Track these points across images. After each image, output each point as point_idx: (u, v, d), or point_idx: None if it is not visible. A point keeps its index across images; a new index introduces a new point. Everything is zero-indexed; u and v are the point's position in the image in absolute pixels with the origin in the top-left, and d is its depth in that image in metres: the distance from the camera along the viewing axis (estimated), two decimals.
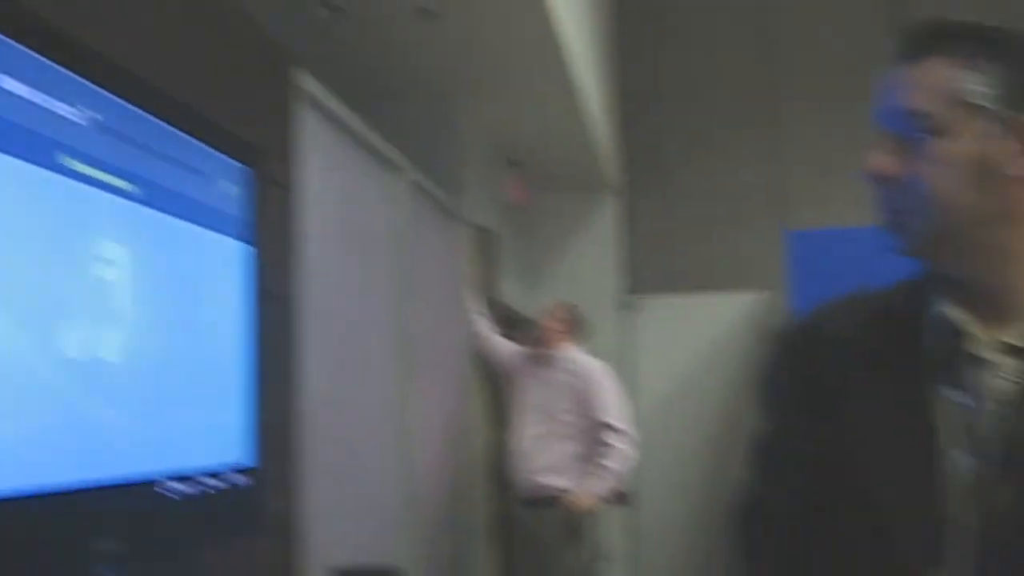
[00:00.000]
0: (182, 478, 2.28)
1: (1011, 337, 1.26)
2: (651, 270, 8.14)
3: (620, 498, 5.54)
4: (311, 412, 3.25)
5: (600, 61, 6.90)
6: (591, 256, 7.86)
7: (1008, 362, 1.26)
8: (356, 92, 3.98)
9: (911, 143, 1.26)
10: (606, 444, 5.05)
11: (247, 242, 2.68)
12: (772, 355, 1.43)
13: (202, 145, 2.50)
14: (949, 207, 1.25)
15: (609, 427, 5.07)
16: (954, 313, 1.29)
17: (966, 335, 1.28)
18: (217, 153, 2.57)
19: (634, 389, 7.61)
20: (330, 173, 3.62)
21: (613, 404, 5.17)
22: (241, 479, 2.56)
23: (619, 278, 7.94)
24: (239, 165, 2.67)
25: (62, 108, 1.95)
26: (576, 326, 5.40)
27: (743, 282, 7.70)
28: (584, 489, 5.04)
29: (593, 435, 5.10)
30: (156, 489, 2.18)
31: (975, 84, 1.24)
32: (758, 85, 8.14)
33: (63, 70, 1.96)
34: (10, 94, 1.81)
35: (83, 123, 2.02)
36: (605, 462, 5.05)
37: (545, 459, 5.05)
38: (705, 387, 7.74)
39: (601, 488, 5.09)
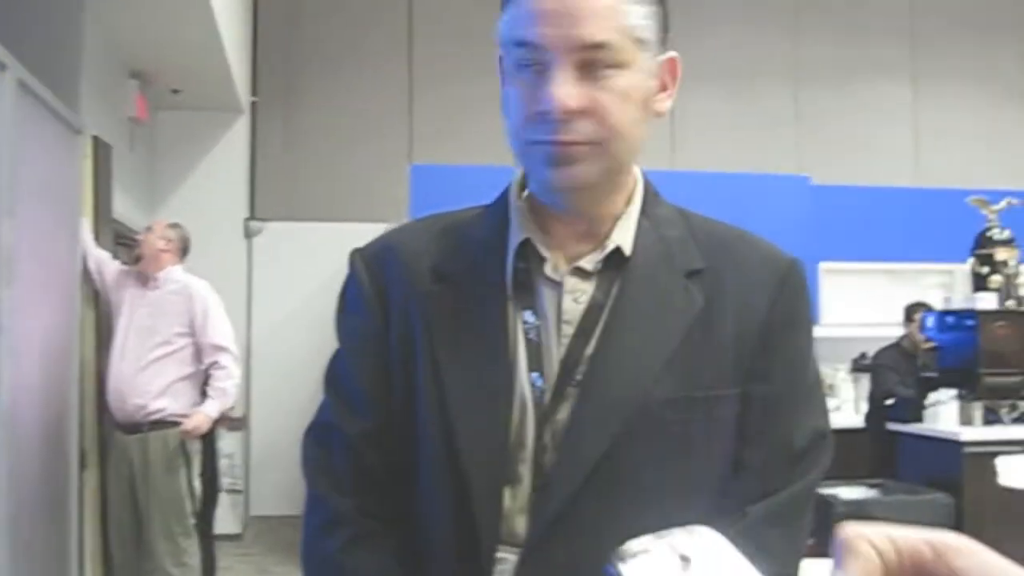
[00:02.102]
0: None
1: (583, 262, 1.33)
2: (276, 196, 8.06)
3: (232, 422, 5.47)
4: None
5: None
6: (216, 178, 7.68)
7: (579, 285, 1.33)
8: None
9: (591, 73, 1.23)
10: (218, 365, 4.96)
11: None
12: (349, 276, 1.44)
13: None
14: (625, 139, 1.27)
15: (219, 348, 4.99)
16: (534, 237, 1.34)
17: (543, 259, 1.33)
18: None
19: (249, 313, 7.54)
20: None
21: (221, 325, 5.07)
22: None
23: (244, 203, 7.80)
24: None
25: None
26: (180, 245, 5.23)
27: (367, 214, 7.77)
28: (197, 411, 4.94)
29: (201, 356, 4.99)
30: None
31: (641, 19, 1.25)
32: (397, 18, 8.19)
33: None
34: None
35: None
36: (217, 383, 4.96)
37: (150, 383, 4.89)
38: (322, 315, 7.73)
39: (213, 409, 5.00)
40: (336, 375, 1.43)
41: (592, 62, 1.23)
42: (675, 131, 8.24)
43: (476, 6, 7.82)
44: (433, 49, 8.12)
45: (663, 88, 1.32)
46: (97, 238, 5.38)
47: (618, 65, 1.24)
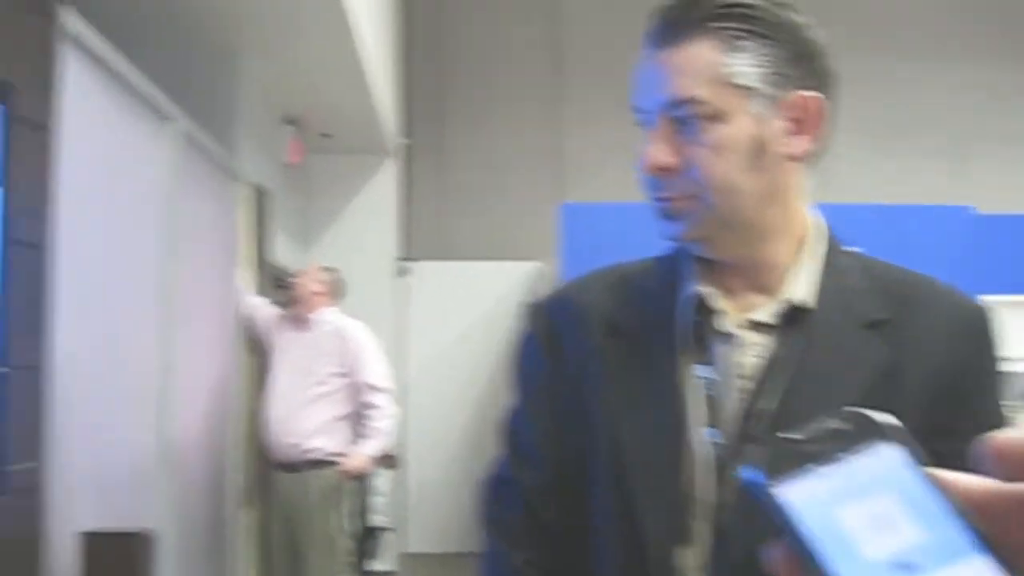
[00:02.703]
0: None
1: (759, 314, 1.29)
2: (427, 236, 8.15)
3: (387, 460, 5.53)
4: (62, 368, 3.08)
5: (383, 22, 6.82)
6: (367, 220, 7.80)
7: (755, 338, 1.29)
8: (129, 37, 3.79)
9: (684, 130, 1.24)
10: (372, 405, 5.02)
11: None
12: (523, 329, 1.43)
13: None
14: (728, 191, 1.24)
15: (374, 388, 5.05)
16: (705, 290, 1.31)
17: (716, 312, 1.30)
18: None
19: (405, 353, 7.62)
20: (94, 117, 3.44)
21: (376, 364, 5.14)
22: None
23: (395, 243, 7.91)
24: None
25: None
26: (334, 288, 5.32)
27: (517, 252, 7.81)
28: (355, 451, 5.00)
29: (357, 396, 5.06)
30: None
31: (742, 65, 1.23)
32: (543, 58, 8.23)
33: None
34: None
35: None
36: (374, 423, 5.02)
37: (306, 422, 4.97)
38: (475, 353, 7.82)
39: (372, 449, 5.05)
40: (510, 429, 1.43)
41: (685, 118, 1.23)
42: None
43: (624, 45, 7.79)
44: (582, 87, 8.13)
45: (798, 130, 1.27)
46: (256, 282, 5.52)
47: (714, 117, 1.23)
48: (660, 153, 1.24)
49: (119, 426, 3.73)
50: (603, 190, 7.34)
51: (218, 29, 4.93)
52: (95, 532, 3.18)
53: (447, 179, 8.26)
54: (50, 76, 3.06)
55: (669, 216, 1.28)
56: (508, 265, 7.87)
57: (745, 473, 0.53)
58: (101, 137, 3.52)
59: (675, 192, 1.26)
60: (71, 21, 3.21)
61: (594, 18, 8.13)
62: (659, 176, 1.25)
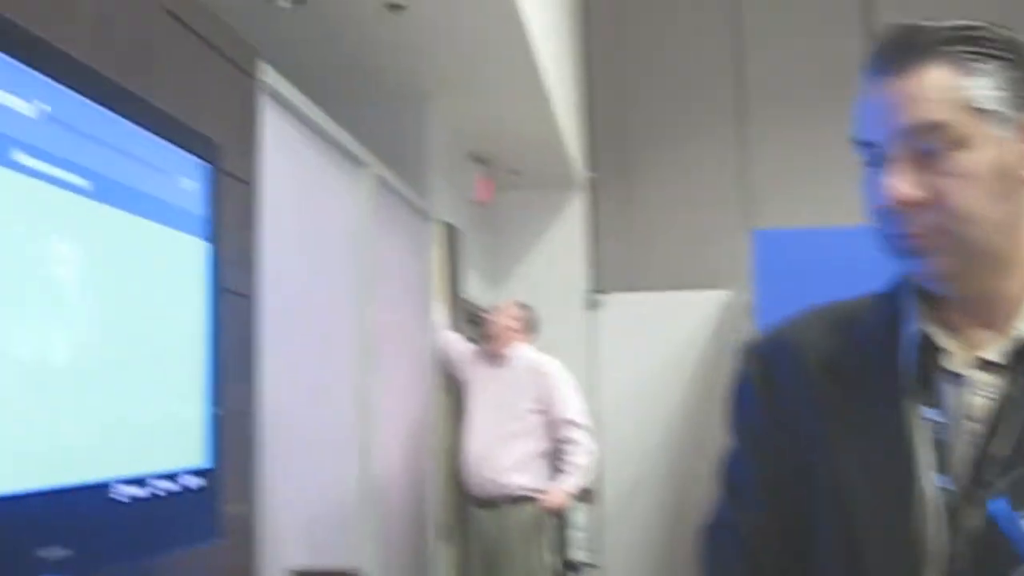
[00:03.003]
0: (135, 481, 2.22)
1: (988, 352, 1.23)
2: (616, 268, 8.12)
3: (585, 495, 5.51)
4: (270, 411, 3.19)
5: (567, 57, 6.86)
6: (556, 254, 7.83)
7: (984, 378, 1.22)
8: (320, 87, 3.93)
9: (927, 160, 1.18)
10: (571, 441, 5.02)
11: (206, 238, 2.62)
12: (739, 370, 1.40)
13: (160, 140, 2.43)
14: (976, 221, 1.18)
15: (572, 423, 5.04)
16: (930, 328, 1.25)
17: (941, 351, 1.24)
18: (176, 148, 2.50)
19: (598, 387, 7.60)
20: (293, 168, 3.56)
21: (573, 400, 5.14)
22: (197, 481, 2.50)
23: (584, 276, 7.91)
24: (198, 160, 2.60)
25: (14, 101, 1.89)
26: (528, 324, 5.35)
27: (708, 280, 7.71)
28: (555, 487, 5.00)
29: (554, 432, 5.06)
30: (108, 494, 2.12)
31: (980, 88, 1.17)
32: (726, 83, 8.12)
33: (14, 61, 1.89)
34: None
35: (35, 117, 1.95)
36: (573, 459, 5.01)
37: (505, 458, 5.00)
38: (669, 385, 7.74)
39: (572, 485, 5.04)
40: (728, 472, 1.40)
41: (927, 147, 1.17)
42: None
43: (808, 66, 7.67)
44: (768, 111, 7.99)
45: None
46: (450, 319, 5.61)
47: (958, 144, 1.17)
48: (904, 186, 1.18)
49: (323, 466, 3.84)
50: (795, 215, 7.18)
51: (406, 73, 5.04)
52: (305, 571, 3.27)
53: (634, 209, 8.23)
54: (251, 131, 3.18)
55: (913, 252, 1.21)
56: (699, 294, 7.77)
57: (993, 506, 0.51)
58: (299, 186, 3.64)
59: (921, 226, 1.19)
60: (270, 77, 3.34)
61: (778, 39, 7.99)
62: (903, 210, 1.19)
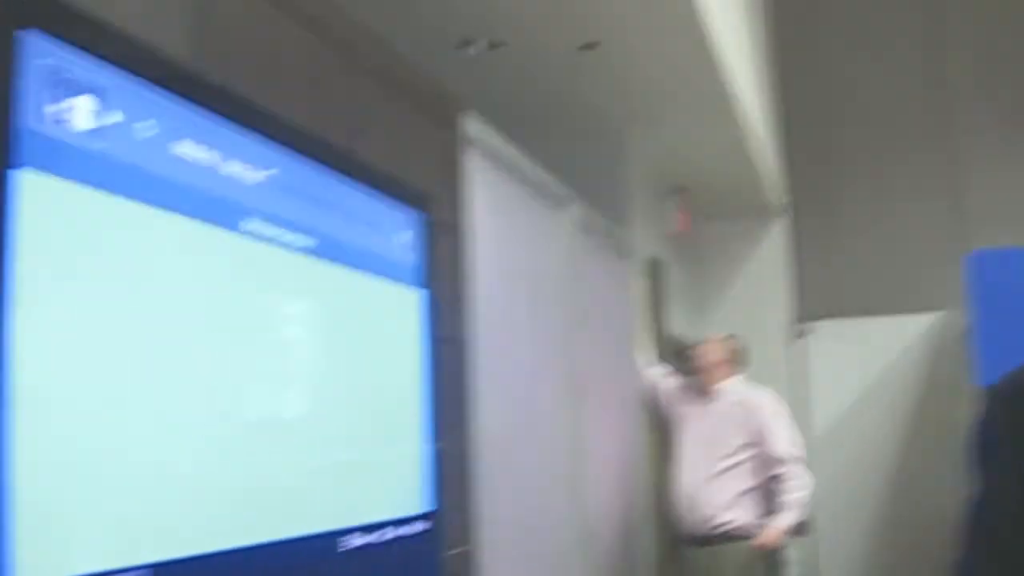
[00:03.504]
0: (365, 529, 2.28)
1: None
2: (821, 295, 7.92)
3: (800, 528, 5.34)
4: (486, 454, 3.23)
5: (761, 82, 6.76)
6: (759, 283, 7.69)
7: None
8: (517, 127, 3.97)
9: None
10: (785, 476, 4.89)
11: (420, 288, 2.69)
12: (983, 414, 1.34)
13: (374, 194, 2.51)
14: None
15: (786, 458, 4.91)
16: None
17: None
18: (389, 201, 2.58)
19: (807, 417, 7.42)
20: (498, 212, 3.61)
21: (787, 434, 5.00)
22: (421, 525, 2.56)
23: (789, 304, 7.75)
24: (411, 211, 2.68)
25: (240, 168, 1.98)
26: (737, 356, 5.24)
27: (919, 304, 7.43)
28: (771, 525, 4.87)
29: (767, 468, 4.94)
30: (339, 542, 2.19)
31: None
32: (927, 96, 7.86)
33: (239, 129, 1.98)
34: (193, 159, 1.84)
35: (260, 181, 2.04)
36: (788, 496, 4.87)
37: (717, 496, 4.90)
38: (882, 412, 7.50)
39: (787, 523, 4.90)
40: (975, 517, 1.34)
41: None
42: None
43: (1016, 71, 7.36)
44: (975, 123, 7.68)
45: None
46: (655, 353, 5.56)
47: None
48: None
49: (536, 506, 3.85)
50: (1012, 234, 6.86)
51: (601, 109, 5.06)
52: None
53: (836, 233, 8.02)
54: (457, 179, 3.25)
55: None
56: (910, 319, 7.51)
57: None
58: (505, 230, 3.69)
59: None
60: (472, 125, 3.40)
61: (983, 56, 7.69)
62: None
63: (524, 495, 3.69)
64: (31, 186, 1.46)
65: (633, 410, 5.29)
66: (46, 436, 1.44)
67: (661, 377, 5.38)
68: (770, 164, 6.88)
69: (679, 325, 6.36)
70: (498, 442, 3.36)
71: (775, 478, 4.89)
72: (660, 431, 5.52)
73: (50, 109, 1.52)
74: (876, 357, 7.53)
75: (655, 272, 5.76)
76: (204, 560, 1.76)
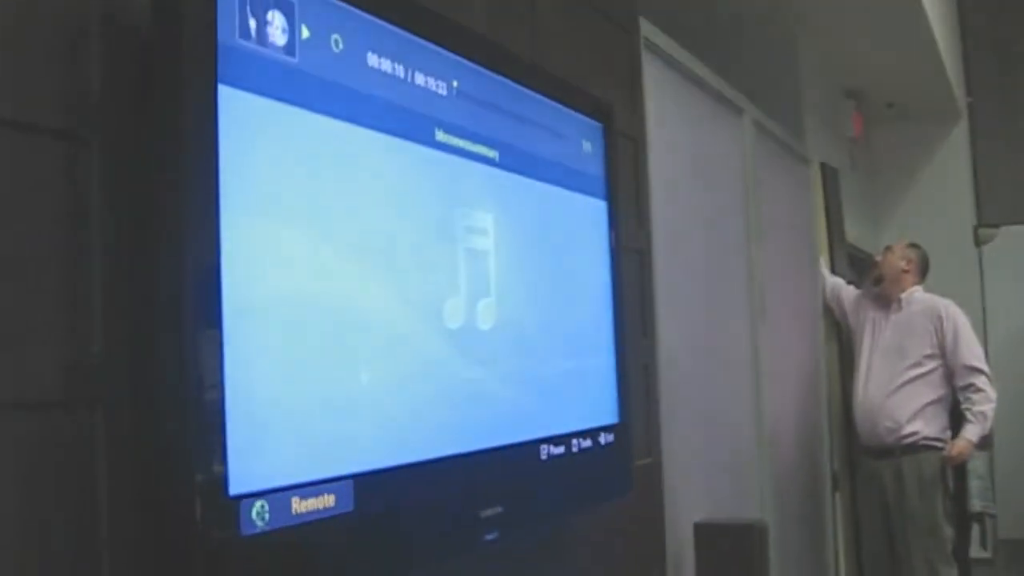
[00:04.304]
0: (557, 439, 2.28)
1: None
2: (1004, 199, 7.59)
3: (985, 442, 5.17)
4: (668, 365, 3.21)
5: None
6: (938, 188, 7.41)
7: None
8: (691, 34, 3.87)
9: None
10: (974, 387, 4.73)
11: (603, 198, 2.65)
12: None
13: (557, 104, 2.47)
14: None
15: (975, 370, 4.75)
16: None
17: None
18: (572, 111, 2.53)
19: (990, 326, 7.16)
20: (675, 120, 3.55)
21: (973, 345, 4.84)
22: (609, 437, 2.55)
23: (972, 210, 7.45)
24: (593, 122, 2.63)
25: (428, 80, 1.97)
26: (921, 266, 5.06)
27: None
28: (961, 436, 4.74)
29: (953, 378, 4.79)
30: (537, 453, 2.20)
31: None
32: None
33: (423, 41, 1.96)
34: (382, 73, 1.83)
35: (446, 93, 2.03)
36: (977, 407, 4.72)
37: (903, 407, 4.78)
38: None
39: (976, 434, 4.76)
40: None
41: None
42: None
43: None
44: None
45: None
46: (832, 263, 5.43)
47: None
48: None
49: (719, 418, 3.83)
50: None
51: (777, 12, 4.90)
52: (710, 523, 3.27)
53: (1019, 135, 7.65)
54: (636, 88, 3.19)
55: None
56: None
57: None
58: (683, 139, 3.62)
59: None
60: (649, 31, 3.32)
61: None
62: None
63: (705, 405, 3.66)
64: (232, 103, 1.47)
65: (814, 320, 5.19)
66: (256, 350, 1.47)
67: (843, 287, 5.26)
68: (951, 62, 6.58)
69: (856, 233, 6.18)
70: (680, 352, 3.34)
71: (963, 389, 4.74)
72: (841, 341, 5.40)
73: (249, 24, 1.52)
74: None
75: (830, 179, 5.59)
76: (403, 470, 1.78)
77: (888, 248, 5.14)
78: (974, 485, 5.31)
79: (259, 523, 1.43)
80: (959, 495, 5.08)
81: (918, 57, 5.91)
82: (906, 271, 4.95)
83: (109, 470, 1.38)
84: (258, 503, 1.44)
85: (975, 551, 5.75)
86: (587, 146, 2.61)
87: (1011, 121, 7.64)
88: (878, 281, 5.05)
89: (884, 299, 4.97)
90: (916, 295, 4.94)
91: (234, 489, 1.39)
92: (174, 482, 1.37)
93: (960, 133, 7.51)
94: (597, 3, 3.00)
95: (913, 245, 5.09)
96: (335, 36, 1.73)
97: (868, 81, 6.28)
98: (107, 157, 1.42)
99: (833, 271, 5.40)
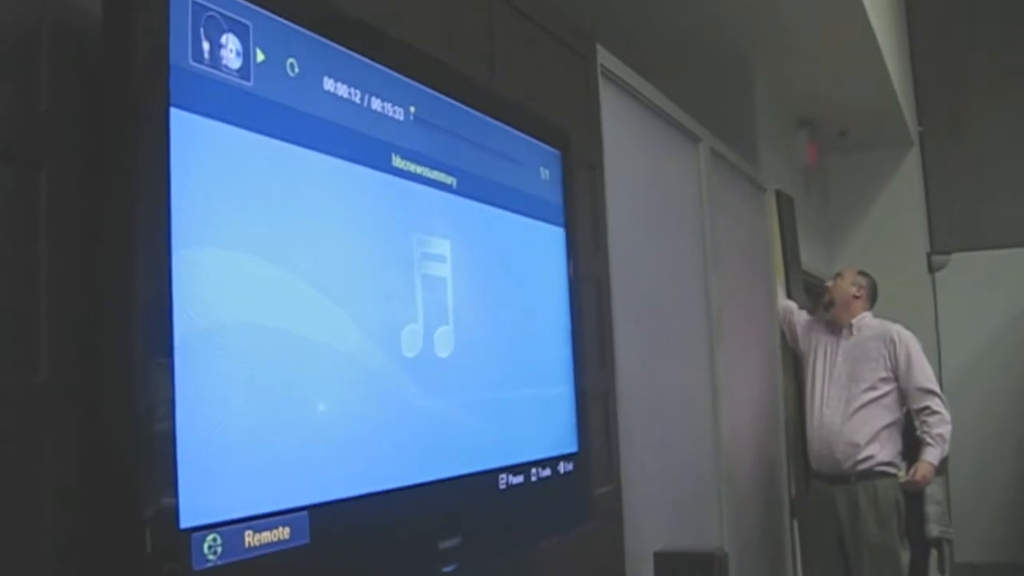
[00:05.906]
0: (516, 469, 2.26)
1: None
2: (955, 226, 7.68)
3: (942, 465, 5.18)
4: (627, 392, 3.19)
5: (889, 7, 6.53)
6: (890, 215, 7.48)
7: None
8: (646, 62, 3.88)
9: None
10: (929, 411, 4.75)
11: (561, 226, 2.64)
12: None
13: (515, 131, 2.46)
14: None
15: (929, 392, 4.77)
16: None
17: None
18: (529, 138, 2.52)
19: (941, 351, 7.22)
20: (632, 147, 3.55)
21: (925, 367, 4.86)
22: (568, 465, 2.53)
23: (924, 237, 7.53)
24: (551, 149, 2.62)
25: (385, 106, 1.95)
26: (870, 292, 5.09)
27: None
28: (922, 460, 4.74)
29: (908, 401, 4.81)
30: (493, 482, 2.17)
31: None
32: None
33: (379, 66, 1.95)
34: (338, 98, 1.81)
35: (403, 119, 2.01)
36: (934, 430, 4.73)
37: (857, 432, 4.78)
38: (1017, 348, 7.27)
39: (935, 457, 4.76)
40: None
41: None
42: None
43: None
44: None
45: None
46: (788, 289, 5.45)
47: None
48: None
49: (679, 445, 3.81)
50: None
51: (732, 41, 4.93)
52: (670, 552, 3.25)
53: (969, 163, 7.74)
54: (593, 115, 3.18)
55: None
56: None
57: None
58: (640, 166, 3.62)
59: None
60: (608, 60, 3.32)
61: None
62: None
63: (664, 433, 3.65)
64: (184, 126, 1.44)
65: (772, 346, 5.20)
66: (205, 378, 1.44)
67: (796, 312, 5.28)
68: (901, 93, 6.66)
69: (809, 259, 6.22)
70: (638, 380, 3.32)
71: (918, 412, 4.76)
72: (794, 366, 5.42)
73: (202, 46, 1.50)
74: (1010, 290, 7.29)
75: (785, 207, 5.62)
76: (360, 501, 1.75)
77: (839, 274, 5.16)
78: (931, 510, 5.32)
79: (211, 557, 1.40)
80: (916, 520, 5.08)
81: (870, 87, 5.97)
82: (857, 297, 4.97)
83: (56, 503, 1.34)
84: (210, 536, 1.40)
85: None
86: (545, 173, 2.60)
87: (961, 150, 7.73)
88: (829, 306, 5.07)
89: (835, 325, 4.99)
90: (867, 320, 4.96)
91: (185, 522, 1.36)
92: (124, 515, 1.33)
93: (912, 161, 7.59)
94: (554, 30, 3.00)
95: (862, 273, 5.11)
96: (291, 60, 1.71)
97: (822, 110, 6.33)
98: (56, 180, 1.38)
99: (789, 297, 5.42)
